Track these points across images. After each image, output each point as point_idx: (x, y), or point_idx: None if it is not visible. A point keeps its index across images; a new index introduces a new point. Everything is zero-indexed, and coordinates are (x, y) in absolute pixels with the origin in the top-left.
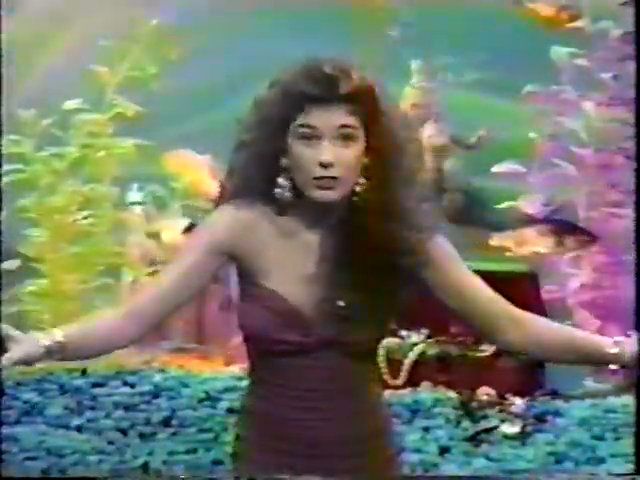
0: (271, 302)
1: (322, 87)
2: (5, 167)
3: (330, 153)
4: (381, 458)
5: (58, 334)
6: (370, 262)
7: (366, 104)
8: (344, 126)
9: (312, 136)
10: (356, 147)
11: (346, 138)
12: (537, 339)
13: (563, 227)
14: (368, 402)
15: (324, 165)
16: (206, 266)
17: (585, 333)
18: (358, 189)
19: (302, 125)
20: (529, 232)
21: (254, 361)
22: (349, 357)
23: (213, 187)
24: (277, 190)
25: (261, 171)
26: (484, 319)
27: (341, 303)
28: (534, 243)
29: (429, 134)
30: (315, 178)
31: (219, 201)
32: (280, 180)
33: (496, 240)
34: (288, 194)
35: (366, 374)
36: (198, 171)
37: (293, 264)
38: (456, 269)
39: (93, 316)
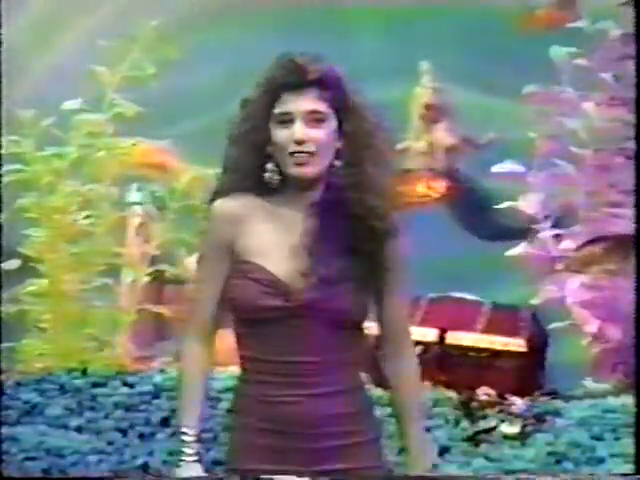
0: (256, 274)
1: (293, 74)
2: (5, 167)
3: (302, 131)
4: (363, 440)
5: (189, 433)
6: (347, 229)
7: (334, 90)
8: (314, 112)
9: (287, 120)
10: (327, 128)
11: (317, 121)
12: (392, 389)
13: (625, 240)
14: (352, 382)
15: (298, 142)
16: (222, 270)
17: (413, 432)
18: (334, 170)
19: (279, 112)
20: (595, 250)
21: (241, 339)
22: (333, 327)
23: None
24: (266, 175)
25: (251, 161)
26: (383, 334)
27: (322, 270)
28: (602, 261)
29: (440, 134)
30: (291, 155)
31: (214, 197)
32: (268, 166)
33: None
34: (276, 178)
35: (351, 351)
36: (160, 157)
37: (279, 241)
38: (395, 280)
39: (189, 369)
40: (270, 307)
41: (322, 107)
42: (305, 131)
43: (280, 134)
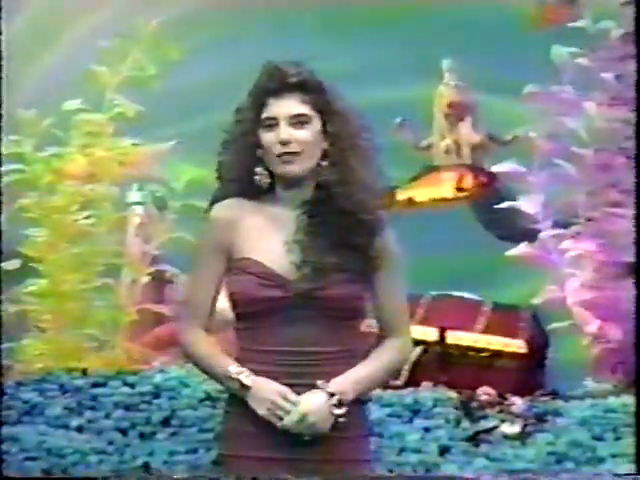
0: (253, 268)
1: (275, 80)
2: (5, 167)
3: (287, 132)
4: (350, 435)
5: (236, 367)
6: (338, 224)
7: (316, 93)
8: (297, 115)
9: (273, 124)
10: (311, 129)
11: (301, 123)
12: None
13: None
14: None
15: (283, 143)
16: (218, 270)
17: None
18: (320, 170)
19: (265, 117)
20: None
21: (241, 332)
22: (329, 317)
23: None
24: (256, 177)
25: (243, 166)
26: (379, 326)
27: (315, 262)
28: None
29: (465, 131)
30: (278, 155)
31: (211, 204)
32: (258, 169)
33: None
34: (266, 180)
35: (348, 344)
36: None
37: (273, 238)
38: (385, 273)
39: (201, 343)
40: (267, 298)
41: (305, 110)
42: (290, 132)
43: (267, 137)
